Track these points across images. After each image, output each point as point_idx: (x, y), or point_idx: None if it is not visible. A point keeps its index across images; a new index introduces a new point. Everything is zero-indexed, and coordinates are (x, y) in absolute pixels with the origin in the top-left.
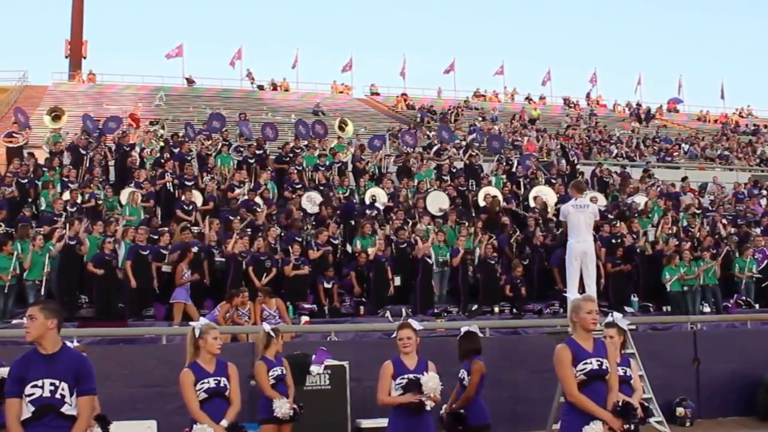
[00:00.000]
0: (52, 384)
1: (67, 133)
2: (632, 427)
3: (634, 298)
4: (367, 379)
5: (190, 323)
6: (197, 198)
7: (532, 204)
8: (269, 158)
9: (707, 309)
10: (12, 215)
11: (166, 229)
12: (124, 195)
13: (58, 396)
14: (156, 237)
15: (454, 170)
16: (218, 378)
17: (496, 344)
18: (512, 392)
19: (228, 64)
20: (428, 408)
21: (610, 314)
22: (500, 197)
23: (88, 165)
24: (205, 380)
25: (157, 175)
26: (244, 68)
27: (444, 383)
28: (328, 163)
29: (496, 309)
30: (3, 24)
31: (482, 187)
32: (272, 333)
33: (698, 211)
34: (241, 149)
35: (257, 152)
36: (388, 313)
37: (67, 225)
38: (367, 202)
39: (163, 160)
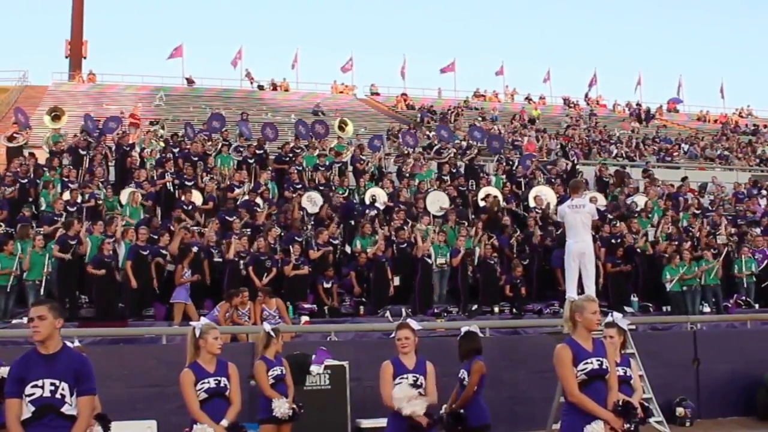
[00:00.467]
0: (52, 384)
1: (66, 134)
2: (633, 426)
3: (634, 298)
4: (367, 379)
5: (191, 323)
6: (197, 198)
7: (532, 204)
8: (269, 158)
9: (707, 309)
10: (12, 215)
11: (166, 229)
12: (124, 195)
13: (58, 396)
14: (156, 237)
15: (454, 170)
16: (218, 378)
17: (496, 344)
18: (512, 392)
19: (229, 64)
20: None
21: (610, 314)
22: (500, 197)
23: (88, 165)
24: (206, 380)
25: (157, 175)
26: (244, 68)
27: (444, 383)
28: (328, 163)
29: (496, 309)
30: (3, 24)
31: (482, 187)
32: (272, 333)
33: (698, 212)
34: (241, 149)
35: (257, 152)
36: (387, 313)
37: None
38: (367, 202)
39: (164, 160)
